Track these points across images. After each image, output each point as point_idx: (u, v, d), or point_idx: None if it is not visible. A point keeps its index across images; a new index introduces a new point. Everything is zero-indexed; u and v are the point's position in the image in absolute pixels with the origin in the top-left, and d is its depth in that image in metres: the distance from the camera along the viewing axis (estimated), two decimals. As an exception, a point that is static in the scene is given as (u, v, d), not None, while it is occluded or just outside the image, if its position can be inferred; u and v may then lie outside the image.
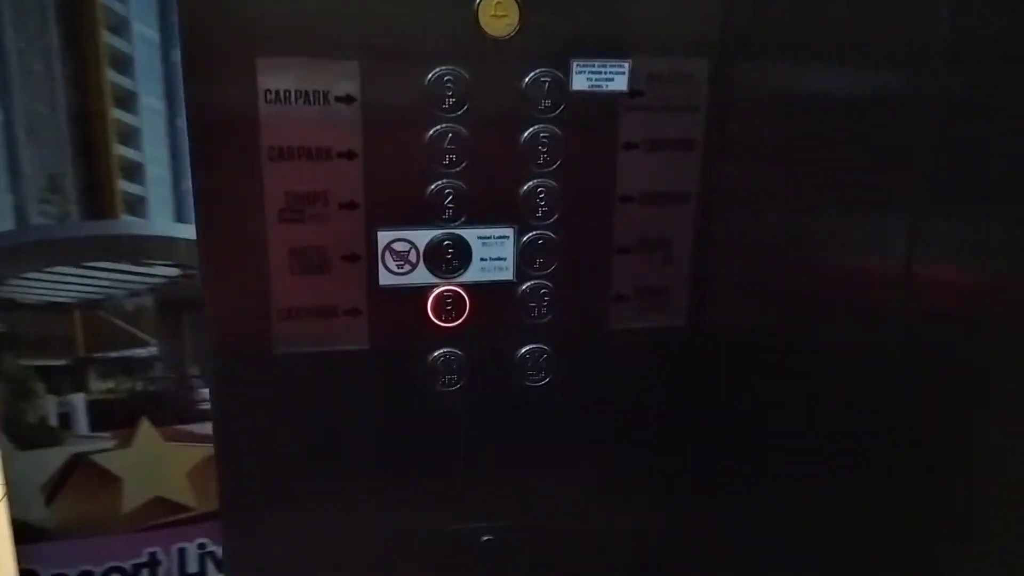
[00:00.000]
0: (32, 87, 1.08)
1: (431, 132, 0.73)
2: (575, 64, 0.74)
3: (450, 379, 0.79)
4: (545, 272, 0.78)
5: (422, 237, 0.75)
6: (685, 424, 0.87)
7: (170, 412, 1.25)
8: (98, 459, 1.23)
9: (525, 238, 0.77)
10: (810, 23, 0.76)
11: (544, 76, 0.74)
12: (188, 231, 1.20)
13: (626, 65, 0.74)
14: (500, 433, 0.82)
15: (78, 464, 1.22)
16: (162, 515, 1.27)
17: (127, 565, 1.27)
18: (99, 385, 1.23)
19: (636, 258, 0.80)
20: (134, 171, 1.16)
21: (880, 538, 0.81)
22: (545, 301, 0.78)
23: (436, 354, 0.78)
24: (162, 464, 1.25)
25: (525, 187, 0.76)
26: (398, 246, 0.75)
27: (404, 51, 0.71)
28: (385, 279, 0.75)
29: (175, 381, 1.26)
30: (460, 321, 0.78)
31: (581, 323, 0.81)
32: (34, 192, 1.11)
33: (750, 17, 0.76)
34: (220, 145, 0.71)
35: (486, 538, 0.84)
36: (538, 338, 0.80)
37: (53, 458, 1.22)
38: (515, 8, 0.72)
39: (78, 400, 1.22)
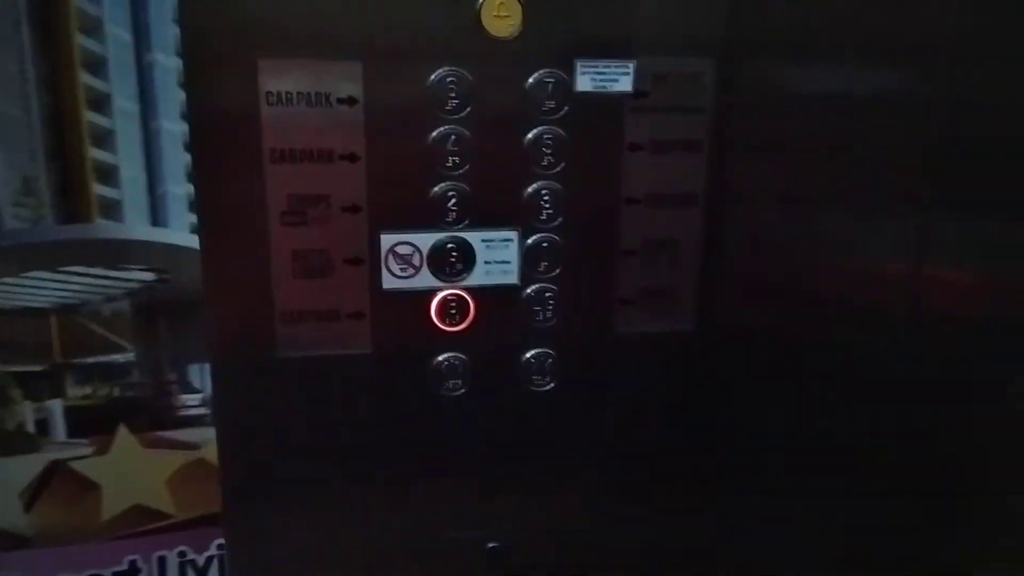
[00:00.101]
0: (5, 89, 1.08)
1: (434, 134, 0.73)
2: (579, 65, 0.74)
3: (454, 384, 0.79)
4: (550, 275, 0.78)
5: (425, 240, 0.76)
6: (693, 429, 0.87)
7: (148, 418, 1.25)
8: (76, 466, 1.23)
9: (529, 241, 0.77)
10: (816, 22, 0.76)
11: (548, 77, 0.74)
12: (164, 235, 1.20)
13: (631, 66, 0.75)
14: (504, 438, 0.83)
15: (56, 471, 1.22)
16: (141, 523, 1.26)
17: (107, 573, 1.27)
18: (76, 391, 1.23)
19: (642, 261, 0.80)
20: (108, 174, 1.15)
21: (891, 541, 0.82)
22: (550, 305, 0.79)
23: (440, 358, 0.79)
24: (140, 471, 1.25)
25: (529, 189, 0.76)
26: (401, 249, 0.75)
27: (406, 52, 0.72)
28: (388, 282, 0.76)
29: (153, 387, 1.26)
30: (464, 325, 0.78)
31: (587, 327, 0.81)
32: (8, 195, 1.11)
33: (756, 16, 0.77)
34: (222, 147, 0.71)
35: (491, 544, 0.85)
36: (543, 342, 0.81)
37: (31, 465, 1.21)
38: (518, 8, 0.72)
39: (55, 406, 1.21)
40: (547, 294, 0.79)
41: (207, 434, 1.28)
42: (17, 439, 1.21)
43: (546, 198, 0.77)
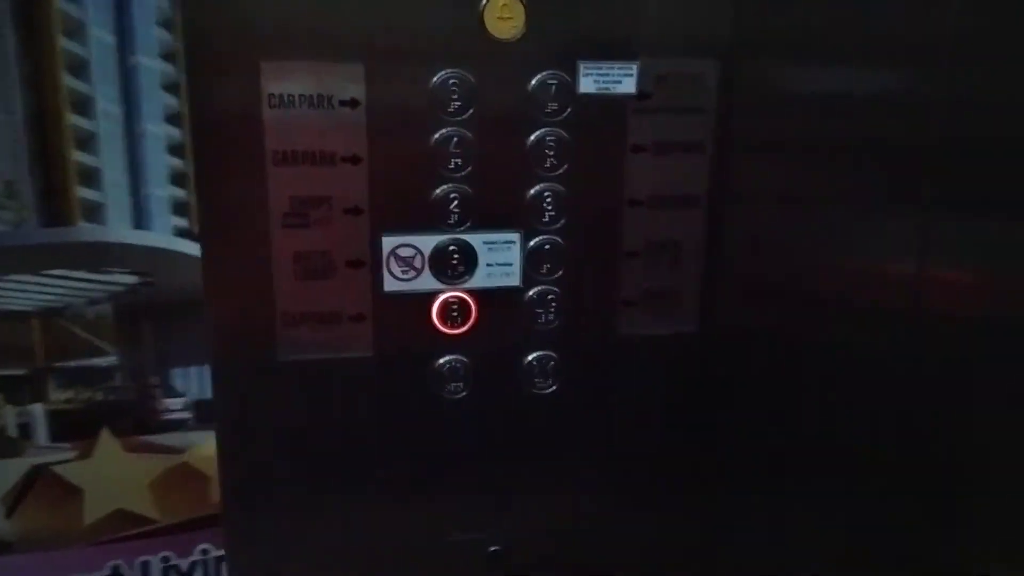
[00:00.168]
0: (-12, 92, 1.08)
1: (436, 136, 0.74)
2: (582, 66, 0.75)
3: (456, 386, 0.80)
4: (552, 277, 0.79)
5: (427, 242, 0.76)
6: (695, 430, 0.88)
7: (131, 422, 1.25)
8: (59, 470, 1.23)
9: (532, 243, 0.78)
10: (818, 23, 0.77)
11: (551, 79, 0.75)
12: (147, 237, 1.20)
13: (634, 67, 0.76)
14: (507, 441, 0.83)
15: (39, 475, 1.22)
16: (124, 527, 1.26)
17: None
18: (59, 395, 1.22)
19: (645, 263, 0.81)
20: (91, 177, 1.15)
21: (891, 541, 0.83)
22: (552, 307, 0.80)
23: (441, 361, 0.79)
24: (123, 476, 1.25)
25: (532, 191, 0.77)
26: (403, 251, 0.76)
27: (409, 54, 0.72)
28: (390, 285, 0.76)
29: (135, 391, 1.26)
30: (466, 327, 0.79)
31: (589, 329, 0.82)
32: (-10, 199, 1.11)
33: (759, 18, 0.78)
34: (224, 150, 0.72)
35: (493, 548, 0.86)
36: (545, 345, 0.81)
37: (13, 469, 1.21)
38: (521, 10, 0.73)
39: (37, 410, 1.21)
40: (549, 296, 0.79)
41: (191, 438, 1.28)
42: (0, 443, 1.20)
43: (548, 200, 0.77)
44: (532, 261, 0.78)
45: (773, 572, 0.87)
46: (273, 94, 0.71)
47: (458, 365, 0.80)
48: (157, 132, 1.17)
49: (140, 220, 1.17)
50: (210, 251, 0.73)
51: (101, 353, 1.23)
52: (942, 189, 0.74)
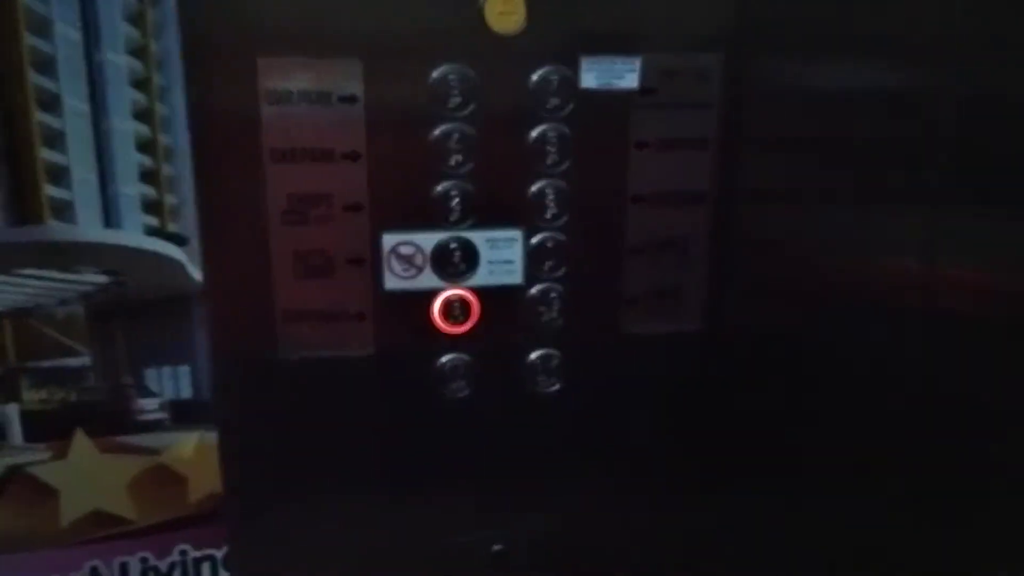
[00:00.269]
0: (-46, 90, 1.09)
1: (436, 132, 0.74)
2: (584, 61, 0.75)
3: (457, 385, 0.80)
4: (555, 275, 0.79)
5: (428, 240, 0.77)
6: (701, 431, 0.88)
7: (106, 423, 1.25)
8: (34, 471, 1.23)
9: (534, 240, 0.78)
10: (824, 17, 0.77)
11: (552, 74, 0.75)
12: (117, 236, 1.20)
13: (637, 62, 0.76)
14: (509, 440, 0.84)
15: (14, 476, 1.22)
16: (101, 528, 1.27)
17: None
18: (32, 395, 1.23)
19: (649, 260, 0.81)
20: (60, 175, 1.16)
21: (898, 543, 0.83)
22: (555, 305, 0.80)
23: (443, 360, 0.80)
24: (99, 476, 1.25)
25: (534, 188, 0.77)
26: (404, 249, 0.76)
27: (408, 49, 0.72)
28: (391, 283, 0.77)
29: (109, 391, 1.26)
30: (468, 326, 0.79)
31: (592, 327, 0.82)
32: (-42, 198, 1.11)
33: (763, 11, 0.78)
34: (221, 147, 0.72)
35: (497, 547, 0.86)
36: (548, 343, 0.81)
37: (-12, 470, 1.22)
38: (522, 4, 0.73)
39: (11, 411, 1.22)
40: (552, 294, 0.80)
41: (166, 439, 1.28)
42: (-26, 444, 1.21)
43: (551, 197, 0.77)
44: (534, 258, 0.78)
45: (776, 572, 0.87)
46: (271, 91, 0.71)
47: (460, 363, 0.80)
48: (125, 129, 1.17)
49: (110, 218, 1.18)
50: (209, 249, 0.74)
51: (74, 353, 1.23)
52: (952, 186, 0.74)
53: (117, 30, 1.10)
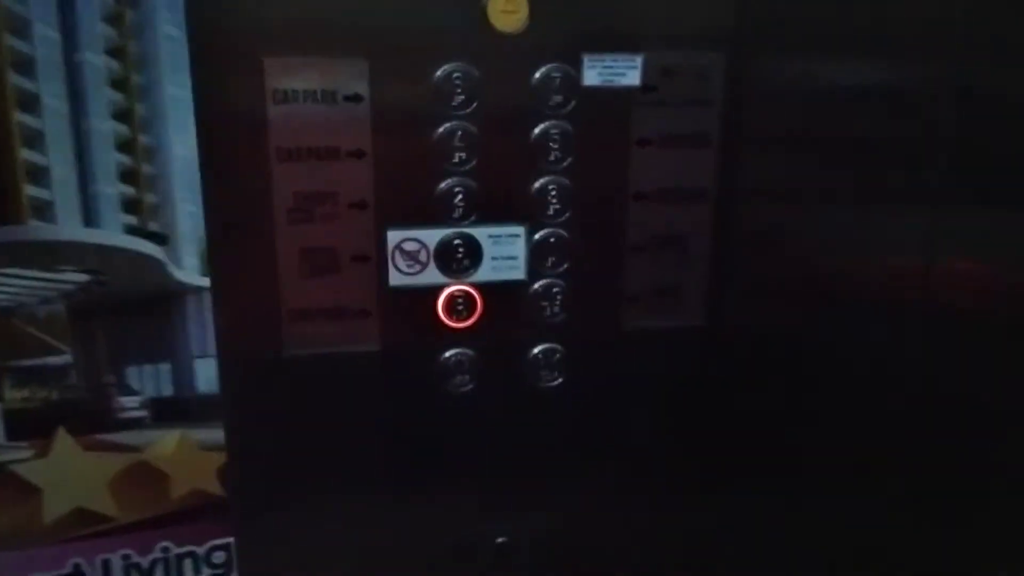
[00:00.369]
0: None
1: (440, 130, 0.76)
2: (586, 59, 0.76)
3: (462, 379, 0.82)
4: (557, 271, 0.81)
5: (432, 236, 0.78)
6: (701, 425, 0.90)
7: (87, 421, 1.26)
8: (16, 469, 1.24)
9: (537, 236, 0.80)
10: (824, 16, 0.78)
11: (555, 72, 0.76)
12: (98, 235, 1.20)
13: (638, 59, 0.77)
14: (512, 433, 0.85)
15: None
16: (84, 526, 1.27)
17: None
18: (14, 394, 1.23)
19: (651, 256, 0.83)
20: (40, 175, 1.16)
21: (898, 542, 0.84)
22: (558, 300, 0.81)
23: (447, 355, 0.81)
24: (82, 474, 1.25)
25: (536, 185, 0.79)
26: (408, 246, 0.78)
27: (412, 49, 0.74)
28: (395, 279, 0.78)
29: (91, 390, 1.26)
30: (472, 321, 0.80)
31: (594, 323, 0.84)
32: (-63, 198, 1.11)
33: (764, 10, 0.79)
34: (228, 146, 0.73)
35: (500, 539, 0.88)
36: (551, 338, 0.83)
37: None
38: (524, 3, 0.74)
39: None
40: (554, 290, 0.81)
41: (148, 437, 1.28)
42: (-44, 443, 1.21)
43: (553, 193, 0.79)
44: (537, 255, 0.80)
45: (776, 572, 0.89)
46: (277, 90, 0.72)
47: (464, 358, 0.81)
48: (104, 129, 1.17)
49: (90, 218, 1.18)
50: (216, 247, 0.75)
51: (56, 352, 1.23)
52: (953, 184, 0.75)
53: (95, 30, 1.10)
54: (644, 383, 0.87)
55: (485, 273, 0.79)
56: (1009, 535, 0.78)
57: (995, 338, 0.75)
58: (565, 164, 0.78)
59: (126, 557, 1.24)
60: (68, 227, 1.13)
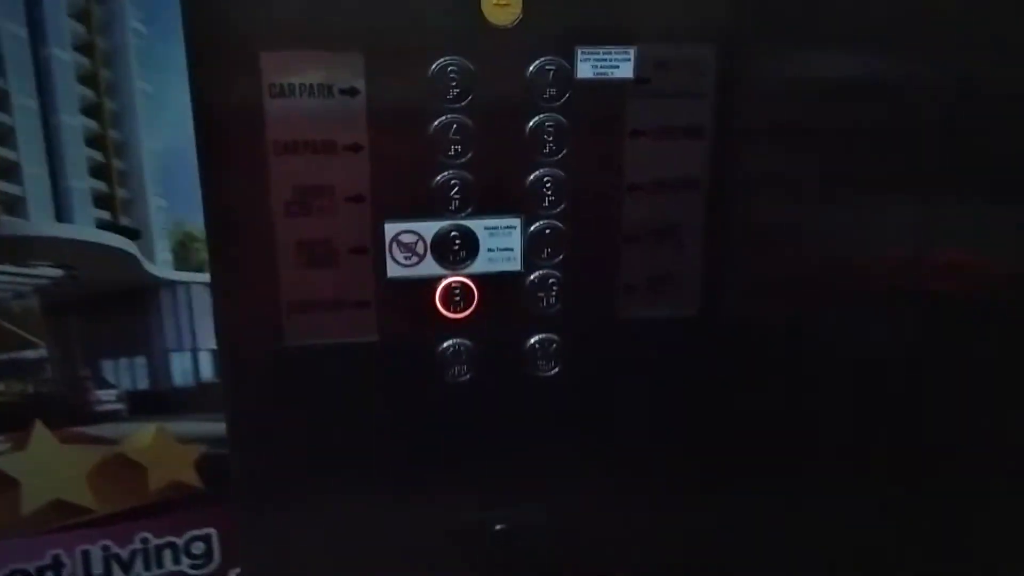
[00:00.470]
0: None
1: (436, 123, 0.77)
2: (580, 52, 0.77)
3: (459, 370, 0.83)
4: (553, 262, 0.82)
5: (429, 228, 0.79)
6: (698, 415, 0.91)
7: (64, 414, 1.27)
8: None
9: (532, 228, 0.81)
10: (818, 8, 0.79)
11: (548, 64, 0.77)
12: (70, 230, 1.21)
13: (632, 52, 0.78)
14: (510, 423, 0.86)
15: None
16: (62, 517, 1.28)
17: (31, 567, 1.30)
18: None
19: (645, 247, 0.84)
20: (11, 170, 1.17)
21: (901, 542, 0.84)
22: (554, 291, 0.82)
23: (445, 345, 0.82)
24: (59, 466, 1.26)
25: (531, 177, 0.80)
26: (405, 238, 0.79)
27: (407, 42, 0.75)
28: (393, 271, 0.79)
29: (67, 383, 1.27)
30: (469, 312, 0.81)
31: (590, 313, 0.85)
32: (-90, 197, 1.12)
33: (756, 2, 0.80)
34: (225, 140, 0.74)
35: (498, 526, 0.89)
36: (547, 328, 0.84)
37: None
38: (518, -4, 0.74)
39: None
40: (550, 280, 0.82)
41: (125, 429, 1.29)
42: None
43: (548, 185, 0.80)
44: (533, 246, 0.81)
45: (776, 572, 0.89)
46: (273, 84, 0.73)
47: (461, 349, 0.82)
48: (74, 124, 1.18)
49: (61, 213, 1.19)
50: (215, 241, 0.76)
51: (30, 346, 1.24)
52: (947, 175, 0.75)
53: (63, 26, 1.10)
54: (640, 372, 0.88)
55: (481, 264, 0.80)
56: (1009, 535, 0.78)
57: (990, 331, 0.75)
58: (560, 156, 0.79)
59: (106, 548, 1.24)
60: (40, 222, 1.14)
